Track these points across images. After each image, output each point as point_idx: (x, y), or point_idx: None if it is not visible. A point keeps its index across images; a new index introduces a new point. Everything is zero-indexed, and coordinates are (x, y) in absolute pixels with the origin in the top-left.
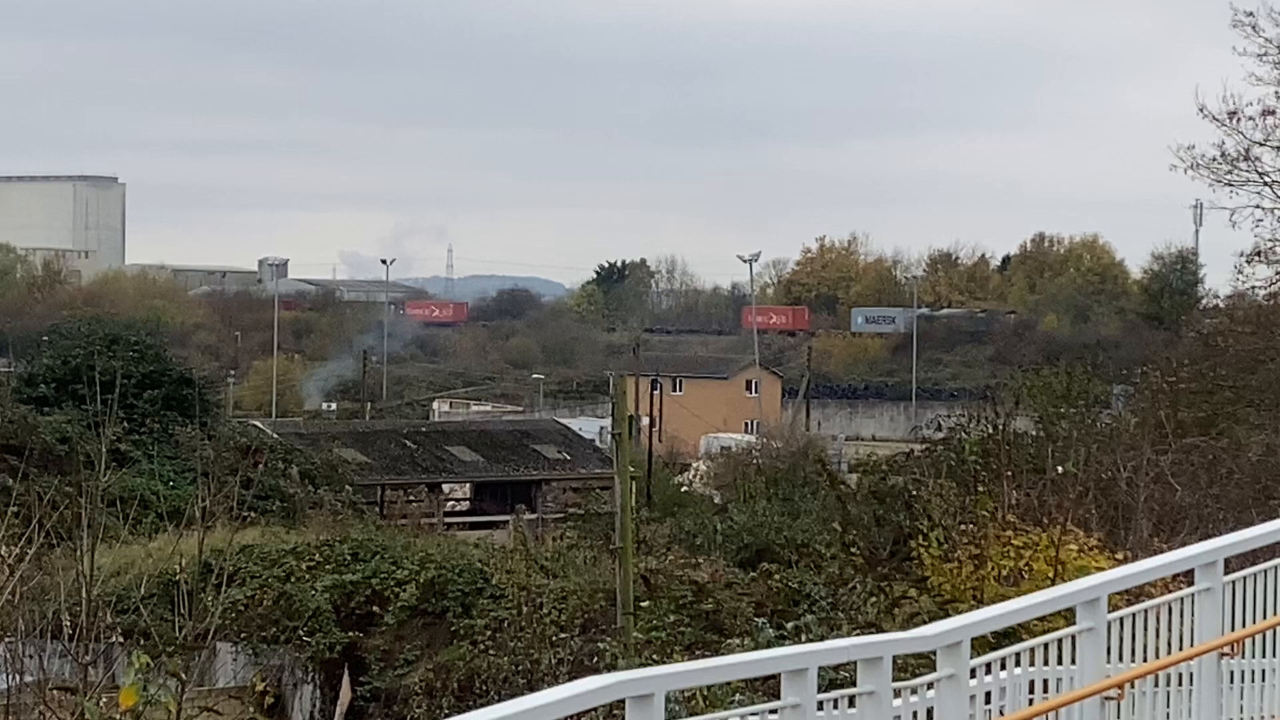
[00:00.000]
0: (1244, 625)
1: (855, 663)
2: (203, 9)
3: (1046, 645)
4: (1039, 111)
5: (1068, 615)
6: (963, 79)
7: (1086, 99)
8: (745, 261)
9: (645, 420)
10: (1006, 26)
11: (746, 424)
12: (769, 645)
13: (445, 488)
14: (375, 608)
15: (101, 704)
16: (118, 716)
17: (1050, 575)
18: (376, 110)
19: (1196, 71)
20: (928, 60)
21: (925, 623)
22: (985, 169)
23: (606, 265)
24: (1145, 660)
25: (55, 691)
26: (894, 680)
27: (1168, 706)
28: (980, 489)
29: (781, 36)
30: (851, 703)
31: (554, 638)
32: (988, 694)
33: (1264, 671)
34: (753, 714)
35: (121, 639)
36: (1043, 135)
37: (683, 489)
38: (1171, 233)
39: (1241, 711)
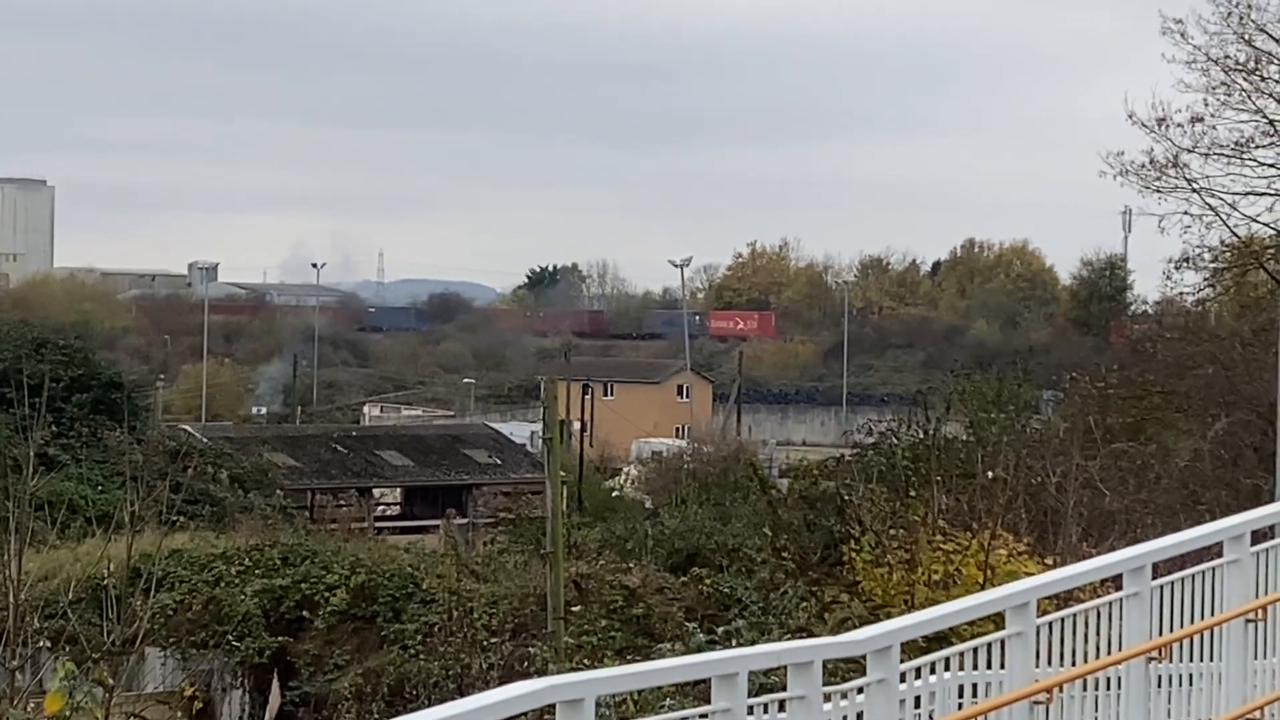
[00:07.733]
0: (1172, 630)
1: (786, 667)
2: (133, 8)
3: (976, 650)
4: (983, 117)
5: (997, 620)
6: (903, 83)
7: (1036, 104)
8: (677, 266)
9: (576, 425)
10: (955, 30)
11: (677, 429)
12: (700, 650)
13: (376, 492)
14: (305, 612)
15: (29, 710)
16: None
17: (980, 580)
18: (309, 113)
19: (1137, 78)
20: (866, 64)
21: (856, 627)
22: (922, 174)
23: (538, 269)
24: (1074, 664)
25: None
26: (824, 685)
27: (1096, 710)
28: (911, 494)
29: (718, 39)
30: (782, 707)
31: (485, 642)
32: (918, 698)
33: (1191, 675)
34: (683, 719)
35: (49, 644)
36: (982, 140)
37: (614, 494)
38: (1101, 239)
39: (1169, 715)
